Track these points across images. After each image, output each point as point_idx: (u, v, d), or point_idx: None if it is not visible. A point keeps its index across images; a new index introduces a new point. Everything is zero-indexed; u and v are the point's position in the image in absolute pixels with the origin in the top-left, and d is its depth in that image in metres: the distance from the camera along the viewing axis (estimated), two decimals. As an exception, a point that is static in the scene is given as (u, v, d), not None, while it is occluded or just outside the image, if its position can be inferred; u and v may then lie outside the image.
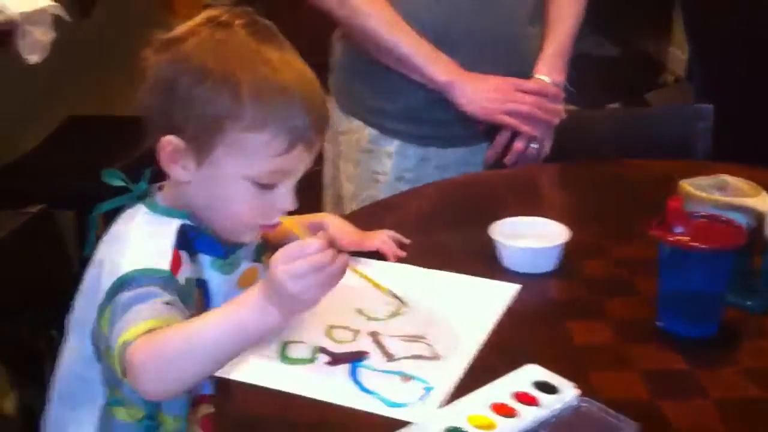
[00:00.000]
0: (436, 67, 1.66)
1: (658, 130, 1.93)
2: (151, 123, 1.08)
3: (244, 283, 1.13)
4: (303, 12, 1.69)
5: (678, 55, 4.94)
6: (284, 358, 1.06)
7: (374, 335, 1.11)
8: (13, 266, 1.29)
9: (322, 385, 1.01)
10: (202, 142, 1.04)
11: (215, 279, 1.10)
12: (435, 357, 1.07)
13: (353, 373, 1.03)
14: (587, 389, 1.00)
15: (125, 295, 0.98)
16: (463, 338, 1.10)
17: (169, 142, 1.05)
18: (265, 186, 1.06)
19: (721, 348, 1.10)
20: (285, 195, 1.08)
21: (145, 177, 1.12)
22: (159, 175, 1.14)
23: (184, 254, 1.06)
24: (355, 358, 1.06)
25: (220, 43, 1.05)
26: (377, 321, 1.15)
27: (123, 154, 2.20)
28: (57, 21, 1.91)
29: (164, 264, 1.02)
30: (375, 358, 1.06)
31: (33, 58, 1.85)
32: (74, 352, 1.12)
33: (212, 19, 1.07)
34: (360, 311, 1.16)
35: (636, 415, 0.95)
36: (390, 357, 1.07)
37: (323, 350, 1.08)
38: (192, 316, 0.99)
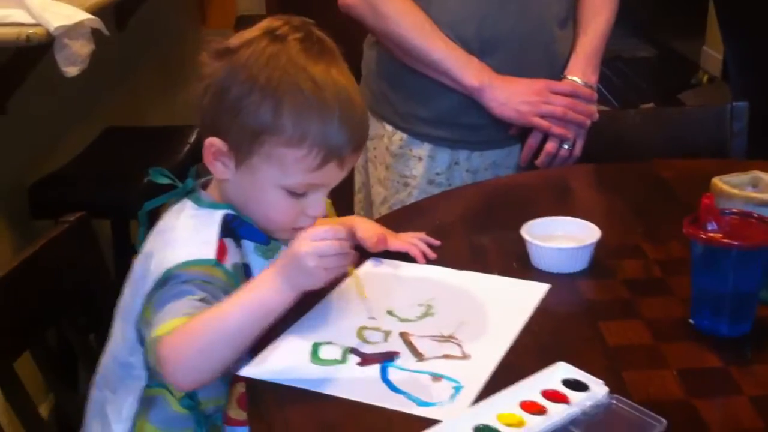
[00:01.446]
0: (467, 71, 1.67)
1: (693, 129, 1.92)
2: (202, 122, 1.15)
3: None
4: (335, 19, 1.70)
5: (712, 54, 4.89)
6: (316, 358, 1.08)
7: (404, 336, 1.12)
8: (52, 274, 1.31)
9: (354, 385, 1.02)
10: (242, 148, 1.11)
11: (257, 263, 1.15)
12: (465, 357, 1.07)
13: (384, 373, 1.04)
14: (620, 388, 1.00)
15: (164, 293, 1.05)
16: (492, 338, 1.10)
17: (213, 143, 1.12)
18: (297, 194, 1.12)
19: (755, 346, 1.09)
20: (316, 202, 1.13)
21: (191, 174, 1.19)
22: (199, 176, 1.20)
23: (229, 242, 1.12)
24: (386, 359, 1.07)
25: (271, 57, 1.10)
26: (408, 322, 1.15)
27: (159, 164, 2.23)
28: (95, 34, 1.94)
29: (210, 253, 1.08)
30: (405, 358, 1.07)
31: (71, 71, 1.87)
32: (118, 338, 1.18)
33: (270, 31, 1.12)
34: (391, 312, 1.17)
35: (670, 414, 0.95)
36: (420, 357, 1.07)
37: (354, 351, 1.08)
38: None
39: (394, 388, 1.01)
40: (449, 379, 1.03)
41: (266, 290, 1.01)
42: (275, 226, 1.17)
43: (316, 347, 1.09)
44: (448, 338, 1.11)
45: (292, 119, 1.08)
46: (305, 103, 1.09)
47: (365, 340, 1.11)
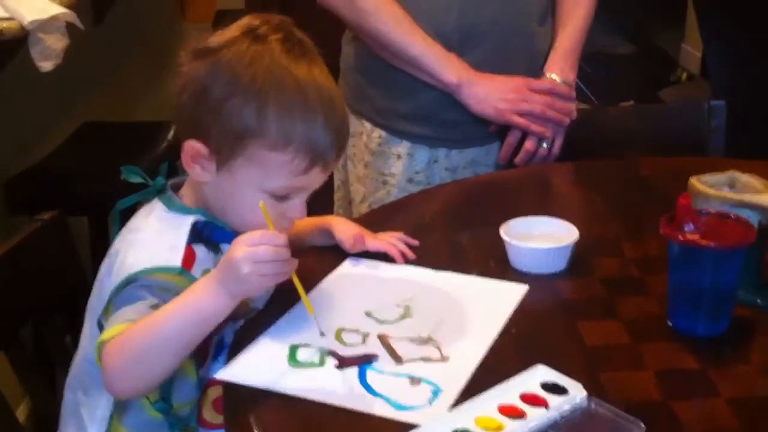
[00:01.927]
0: (446, 68, 1.66)
1: (671, 127, 1.92)
2: (180, 122, 1.12)
3: None
4: (312, 14, 1.69)
5: (691, 52, 4.91)
6: (293, 361, 1.06)
7: (383, 338, 1.11)
8: (27, 273, 1.29)
9: (332, 388, 1.01)
10: (223, 150, 1.08)
11: None
12: (443, 359, 1.06)
13: (362, 377, 1.03)
14: (598, 389, 1.00)
15: (122, 295, 1.04)
16: (471, 340, 1.10)
17: (192, 146, 1.09)
18: (278, 197, 1.10)
19: (733, 346, 1.10)
20: (297, 205, 1.12)
21: (162, 171, 1.17)
22: (174, 171, 1.18)
23: (199, 248, 1.09)
24: (364, 362, 1.06)
25: (254, 58, 1.08)
26: (386, 324, 1.14)
27: (137, 159, 2.22)
28: (70, 28, 1.92)
29: (176, 260, 1.06)
30: (384, 361, 1.06)
31: (46, 66, 1.85)
32: (87, 338, 1.16)
33: (250, 31, 1.10)
34: (369, 314, 1.16)
35: (647, 416, 0.95)
36: (399, 360, 1.07)
37: (332, 353, 1.07)
38: None
39: (372, 392, 1.01)
40: (428, 382, 1.02)
41: (203, 296, 0.99)
42: (253, 229, 1.12)
43: (293, 350, 1.08)
44: (426, 340, 1.10)
45: (276, 122, 1.07)
46: (290, 106, 1.07)
47: (343, 342, 1.10)
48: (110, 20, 2.78)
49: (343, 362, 1.06)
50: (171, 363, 1.00)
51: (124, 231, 1.14)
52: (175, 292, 1.04)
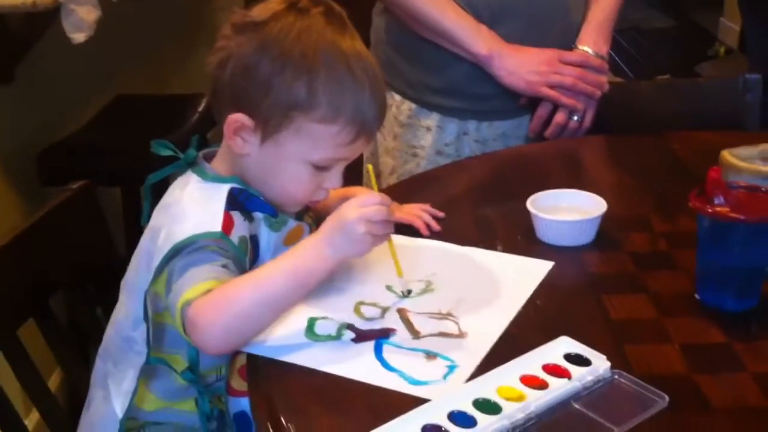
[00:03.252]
0: (477, 39, 1.65)
1: (706, 101, 1.89)
2: (221, 96, 1.13)
3: (291, 240, 1.17)
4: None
5: (730, 26, 4.82)
6: (310, 334, 1.07)
7: (402, 312, 1.11)
8: (56, 242, 1.31)
9: (347, 361, 1.01)
10: (270, 123, 1.10)
11: (265, 235, 1.15)
12: (461, 335, 1.06)
13: (378, 351, 1.03)
14: (622, 362, 0.99)
15: (181, 260, 1.05)
16: (491, 317, 1.09)
17: (237, 119, 1.10)
18: (321, 168, 1.12)
19: (761, 322, 1.08)
20: (335, 175, 1.14)
21: (193, 144, 1.18)
22: (204, 143, 1.19)
23: (236, 215, 1.11)
24: (381, 336, 1.06)
25: (301, 32, 1.09)
26: (407, 298, 1.14)
27: (169, 132, 2.23)
28: (102, 0, 1.93)
29: (216, 226, 1.07)
30: (401, 336, 1.06)
31: (78, 37, 1.87)
32: (123, 313, 1.18)
33: (292, 5, 1.11)
34: (390, 288, 1.16)
35: (671, 389, 0.94)
36: (416, 334, 1.06)
37: (350, 327, 1.07)
38: (245, 271, 1.07)
39: (387, 366, 1.01)
40: (444, 357, 1.01)
41: (310, 257, 1.02)
42: (292, 200, 1.16)
43: (311, 322, 1.08)
44: (446, 315, 1.10)
45: (326, 95, 1.08)
46: (339, 79, 1.09)
47: (362, 316, 1.10)
48: (144, -7, 2.79)
49: (360, 336, 1.06)
50: (272, 320, 1.03)
51: (162, 206, 1.15)
52: (228, 254, 1.06)
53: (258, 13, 1.11)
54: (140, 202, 2.37)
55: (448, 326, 1.08)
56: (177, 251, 1.06)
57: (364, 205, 1.03)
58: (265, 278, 1.02)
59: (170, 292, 1.05)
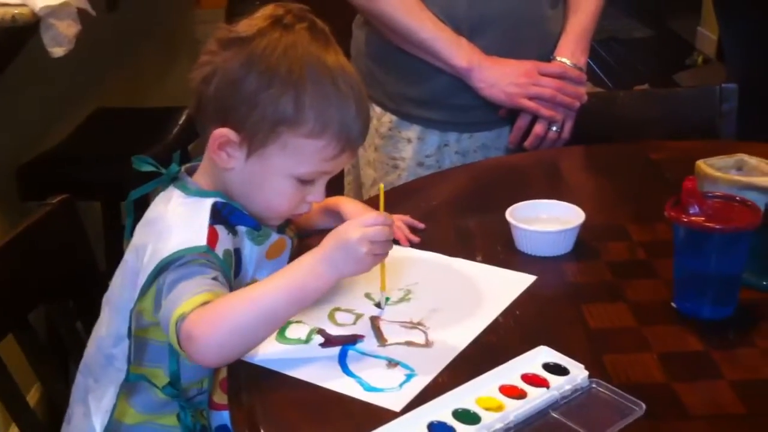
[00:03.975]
0: (456, 52, 1.66)
1: (684, 110, 1.91)
2: (205, 110, 1.13)
3: (273, 254, 1.19)
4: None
5: (707, 35, 4.87)
6: (281, 337, 1.08)
7: (374, 320, 1.12)
8: (36, 257, 1.30)
9: (311, 366, 1.02)
10: (257, 138, 1.10)
11: (248, 249, 1.15)
12: (427, 344, 1.06)
13: (342, 356, 1.04)
14: (600, 371, 1.00)
15: (170, 276, 1.05)
16: (461, 328, 1.09)
17: (223, 134, 1.10)
18: (305, 182, 1.13)
19: (738, 329, 1.09)
20: (319, 189, 1.15)
21: (175, 159, 1.18)
22: (186, 157, 1.18)
23: (220, 229, 1.11)
24: (349, 341, 1.07)
25: (288, 47, 1.09)
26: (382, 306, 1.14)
27: (150, 145, 2.23)
28: (82, 14, 1.92)
29: (201, 240, 1.07)
30: (368, 343, 1.07)
31: (58, 52, 1.86)
32: (104, 329, 1.18)
33: (277, 20, 1.11)
34: (368, 295, 1.17)
35: (650, 397, 0.95)
36: (383, 342, 1.07)
37: (320, 332, 1.08)
38: (231, 284, 1.08)
39: (347, 371, 1.01)
40: (404, 366, 1.02)
41: (309, 276, 1.03)
42: (276, 214, 1.17)
43: (284, 325, 1.09)
44: (416, 325, 1.10)
45: (313, 111, 1.09)
46: (326, 94, 1.09)
47: (335, 322, 1.11)
48: (123, 6, 2.79)
49: (328, 341, 1.07)
50: (266, 335, 1.04)
51: (145, 222, 1.15)
52: (211, 267, 1.06)
53: (243, 28, 1.11)
54: (121, 215, 2.38)
55: (416, 335, 1.08)
56: (164, 267, 1.06)
57: (367, 225, 1.03)
58: (262, 294, 1.02)
59: (161, 308, 1.05)
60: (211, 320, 0.99)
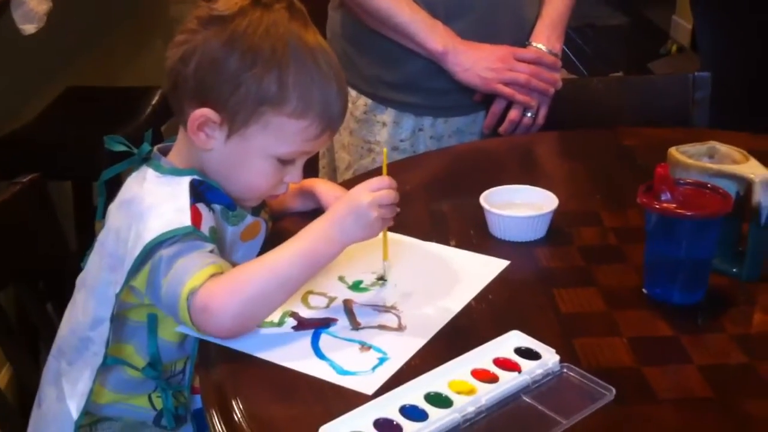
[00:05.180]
0: (432, 35, 1.65)
1: (657, 98, 1.92)
2: (182, 90, 1.11)
3: (247, 236, 1.18)
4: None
5: (682, 24, 4.90)
6: None
7: (347, 303, 1.11)
8: (6, 237, 1.29)
9: (283, 349, 1.02)
10: (238, 119, 1.09)
11: (223, 228, 1.14)
12: (400, 328, 1.07)
13: (315, 339, 1.04)
14: (571, 355, 1.01)
15: (164, 253, 1.04)
16: (433, 312, 1.09)
17: (204, 114, 1.09)
18: (285, 162, 1.13)
19: (708, 315, 1.10)
20: (297, 169, 1.15)
21: (147, 138, 1.17)
22: (158, 137, 1.17)
23: (202, 206, 1.10)
24: (321, 325, 1.07)
25: (269, 27, 1.08)
26: (356, 290, 1.15)
27: (121, 125, 2.21)
28: (53, -9, 1.90)
29: (186, 220, 1.06)
30: (341, 326, 1.07)
31: (28, 29, 1.84)
32: (79, 311, 1.16)
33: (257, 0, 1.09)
34: (342, 278, 1.16)
35: (619, 381, 0.96)
36: (356, 325, 1.07)
37: (293, 315, 1.08)
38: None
39: (319, 354, 1.01)
40: (377, 349, 1.02)
41: (320, 240, 1.04)
42: (253, 194, 1.16)
43: None
44: (389, 309, 1.11)
45: (296, 91, 1.08)
46: (309, 73, 1.09)
47: (308, 305, 1.11)
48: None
49: (301, 324, 1.07)
50: (281, 303, 1.05)
51: (120, 203, 1.13)
52: (204, 240, 1.06)
53: (223, 7, 1.09)
54: (92, 196, 2.35)
55: (389, 319, 1.08)
56: (152, 249, 1.04)
57: (375, 189, 1.05)
58: (277, 261, 1.03)
59: (158, 287, 1.04)
60: (230, 290, 1.00)
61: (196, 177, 1.12)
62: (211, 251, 1.06)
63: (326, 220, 1.05)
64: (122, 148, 1.14)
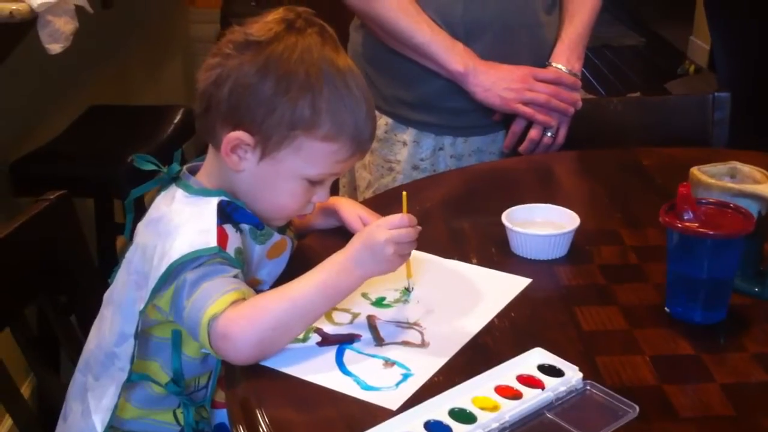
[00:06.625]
0: (452, 56, 1.67)
1: (676, 118, 1.93)
2: (215, 113, 1.12)
3: (274, 253, 1.19)
4: (320, 2, 1.70)
5: (699, 44, 4.90)
6: None
7: (371, 319, 1.13)
8: (32, 252, 1.31)
9: (308, 364, 1.03)
10: (272, 141, 1.11)
11: (250, 247, 1.16)
12: (423, 344, 1.08)
13: (339, 355, 1.05)
14: (593, 373, 1.01)
15: (189, 276, 1.05)
16: (456, 330, 1.10)
17: (238, 137, 1.11)
18: (315, 183, 1.15)
19: (729, 334, 1.11)
20: (325, 189, 1.17)
21: (176, 158, 1.19)
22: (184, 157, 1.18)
23: (229, 227, 1.11)
24: (345, 341, 1.08)
25: (304, 52, 1.10)
26: (379, 306, 1.16)
27: (143, 143, 2.24)
28: (79, 11, 1.93)
29: (212, 241, 1.08)
30: (365, 342, 1.08)
31: (55, 48, 1.86)
32: (106, 327, 1.17)
33: (290, 24, 1.12)
34: (365, 295, 1.18)
35: (641, 399, 0.96)
36: (380, 341, 1.08)
37: (318, 331, 1.10)
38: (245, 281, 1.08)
39: (344, 370, 1.02)
40: (401, 365, 1.03)
41: (341, 273, 1.06)
42: (282, 214, 1.18)
43: None
44: (412, 325, 1.12)
45: (329, 114, 1.10)
46: (341, 97, 1.11)
47: (332, 321, 1.12)
48: (118, 3, 2.79)
49: (326, 340, 1.08)
50: (300, 332, 1.07)
51: (149, 221, 1.14)
52: (229, 265, 1.07)
53: (259, 32, 1.11)
54: (113, 213, 2.37)
55: (413, 335, 1.09)
56: (178, 268, 1.06)
57: (391, 227, 1.07)
58: (297, 292, 1.05)
59: (182, 309, 1.05)
60: (251, 318, 1.02)
61: (224, 198, 1.13)
62: (235, 276, 1.07)
63: (345, 254, 1.07)
64: (151, 166, 1.16)
